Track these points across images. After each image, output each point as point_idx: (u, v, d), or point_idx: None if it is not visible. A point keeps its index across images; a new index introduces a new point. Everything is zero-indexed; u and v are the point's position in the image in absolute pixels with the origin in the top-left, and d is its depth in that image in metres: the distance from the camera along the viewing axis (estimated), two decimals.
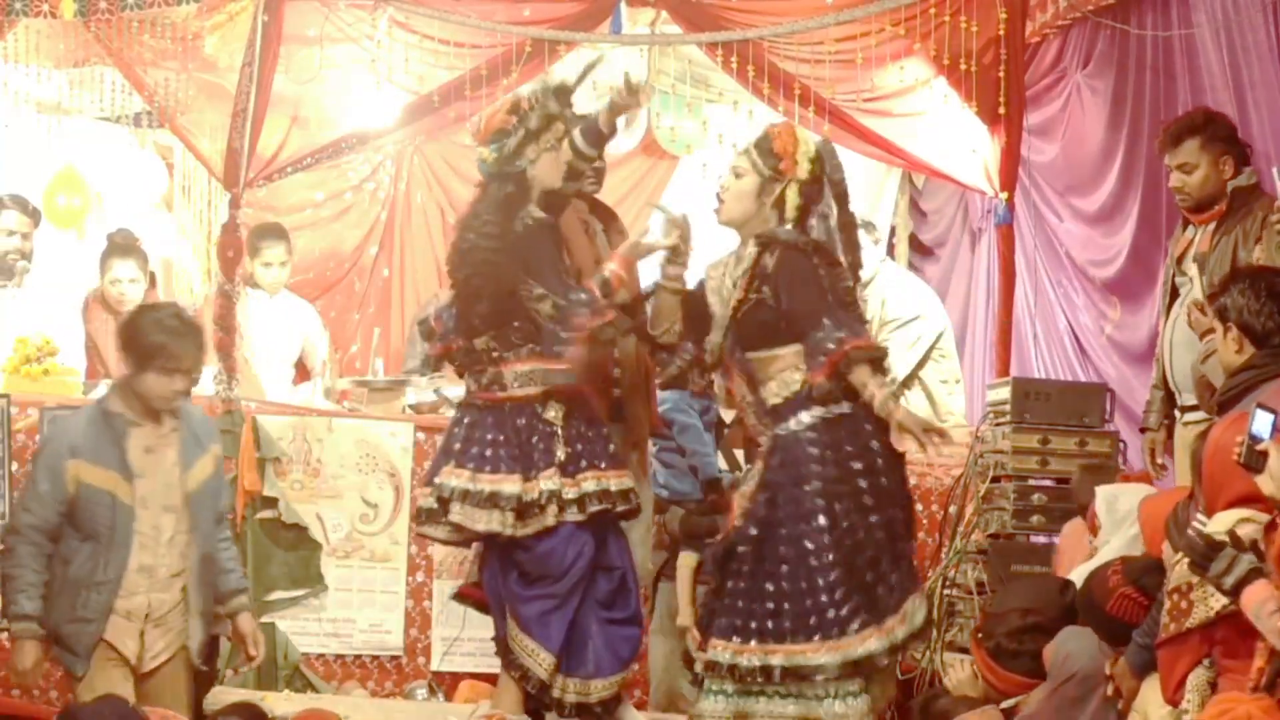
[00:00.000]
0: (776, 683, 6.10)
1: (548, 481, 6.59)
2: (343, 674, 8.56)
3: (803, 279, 6.25)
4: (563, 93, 6.81)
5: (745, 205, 6.43)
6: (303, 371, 9.73)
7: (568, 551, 6.62)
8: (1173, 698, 4.98)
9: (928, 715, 6.20)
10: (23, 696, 8.14)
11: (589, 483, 6.63)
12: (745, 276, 6.33)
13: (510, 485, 6.60)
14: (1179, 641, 4.98)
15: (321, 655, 8.54)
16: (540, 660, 6.63)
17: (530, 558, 6.66)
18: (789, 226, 6.37)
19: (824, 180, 6.42)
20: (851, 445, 6.18)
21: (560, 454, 6.63)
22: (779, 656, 6.10)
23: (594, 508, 6.61)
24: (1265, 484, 4.68)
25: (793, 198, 6.37)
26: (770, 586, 6.16)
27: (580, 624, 6.68)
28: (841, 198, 6.46)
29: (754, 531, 6.22)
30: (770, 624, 6.14)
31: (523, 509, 6.59)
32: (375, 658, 8.58)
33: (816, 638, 6.08)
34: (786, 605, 6.14)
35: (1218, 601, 4.94)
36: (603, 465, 6.67)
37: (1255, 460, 4.73)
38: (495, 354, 6.68)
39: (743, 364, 6.35)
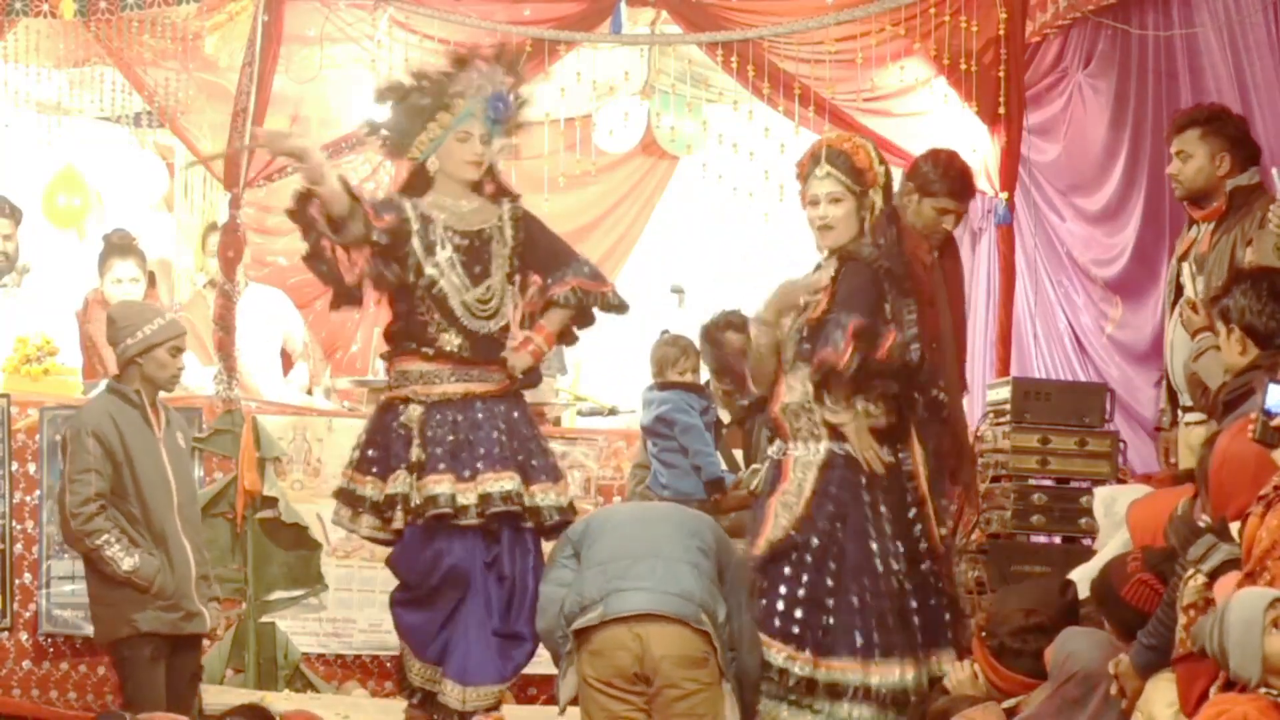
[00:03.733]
0: (816, 695, 6.21)
1: (394, 485, 6.58)
2: (343, 674, 8.56)
3: (861, 290, 6.32)
4: (434, 81, 6.76)
5: (850, 227, 6.44)
6: (286, 360, 9.73)
7: (422, 554, 6.58)
8: (1192, 713, 4.94)
9: (927, 714, 6.18)
10: (23, 696, 8.15)
11: (431, 487, 6.54)
12: (828, 291, 6.39)
13: (365, 487, 6.64)
14: (1196, 659, 4.93)
15: (321, 655, 8.55)
16: (411, 665, 6.69)
17: (394, 560, 6.70)
18: (870, 232, 6.42)
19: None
20: (899, 494, 6.36)
21: (414, 458, 6.59)
22: (824, 671, 6.21)
23: (433, 512, 6.52)
24: None
25: (878, 203, 6.44)
26: (831, 601, 6.26)
27: (457, 627, 6.62)
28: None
29: (816, 541, 6.29)
30: (823, 636, 6.23)
31: (379, 510, 6.61)
32: (375, 658, 8.58)
33: (858, 656, 6.20)
34: (832, 620, 6.25)
35: None
36: (452, 471, 6.57)
37: (1271, 436, 4.72)
38: (385, 352, 6.79)
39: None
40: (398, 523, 6.57)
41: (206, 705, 7.82)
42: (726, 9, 8.99)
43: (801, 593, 6.26)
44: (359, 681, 8.54)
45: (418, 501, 6.54)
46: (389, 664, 8.54)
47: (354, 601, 8.58)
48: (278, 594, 8.51)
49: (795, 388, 6.41)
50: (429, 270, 6.62)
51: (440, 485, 6.53)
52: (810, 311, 6.40)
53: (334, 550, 8.56)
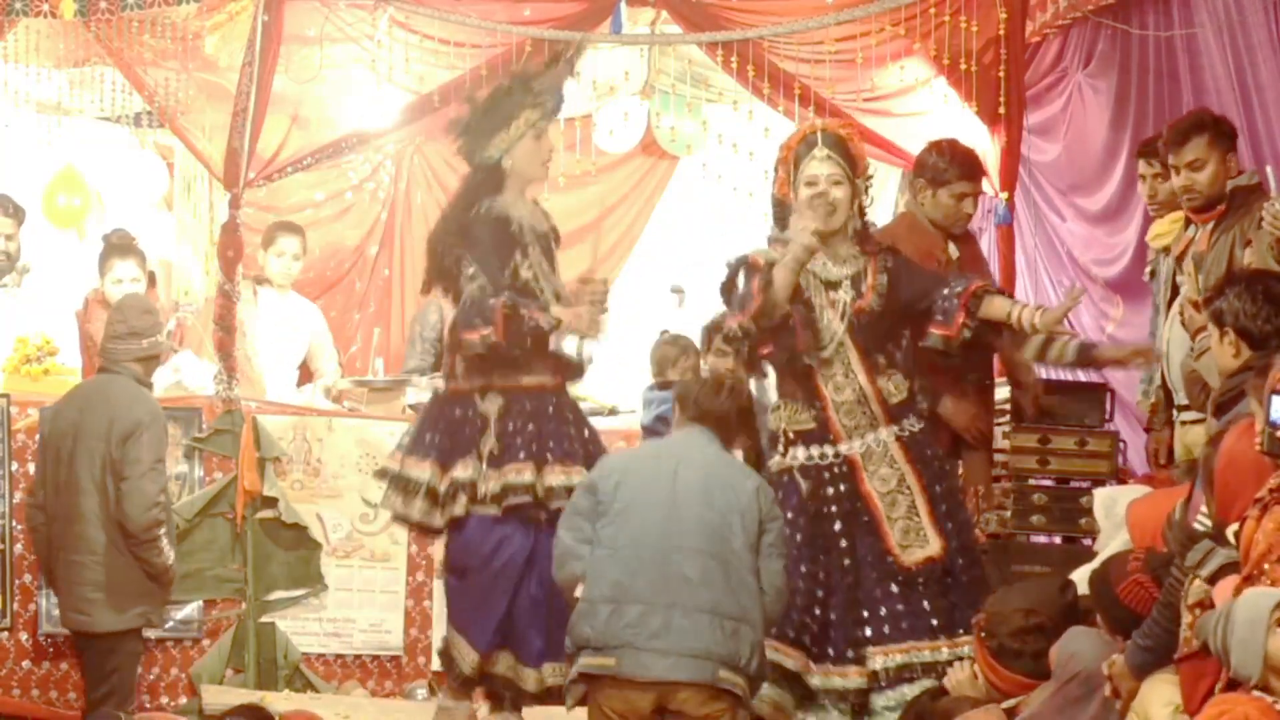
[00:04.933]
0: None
1: (463, 471, 6.59)
2: (343, 674, 8.56)
3: (916, 271, 6.65)
4: (523, 79, 6.83)
5: (846, 211, 6.60)
6: (305, 373, 9.73)
7: (485, 541, 6.59)
8: (1195, 712, 4.93)
9: (927, 715, 6.19)
10: (23, 696, 8.15)
11: (512, 475, 6.57)
12: (869, 286, 6.55)
13: (421, 472, 6.65)
14: (1201, 659, 4.92)
15: (321, 655, 8.55)
16: (465, 655, 6.65)
17: (453, 547, 6.70)
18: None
19: None
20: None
21: (487, 447, 6.61)
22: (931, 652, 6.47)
23: (512, 500, 6.55)
24: None
25: (862, 191, 6.64)
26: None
27: (520, 615, 6.62)
28: None
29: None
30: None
31: (436, 496, 6.63)
32: (375, 658, 8.58)
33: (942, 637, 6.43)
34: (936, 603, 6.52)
35: None
36: (534, 459, 6.60)
37: (1278, 447, 4.73)
38: (449, 343, 6.78)
39: (871, 361, 6.55)
40: (459, 509, 6.58)
41: (206, 705, 7.84)
42: (726, 9, 9.00)
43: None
44: (359, 681, 8.54)
45: (494, 490, 6.56)
46: (389, 664, 8.55)
47: (354, 601, 8.58)
48: (278, 594, 8.51)
49: (844, 384, 6.53)
50: (524, 273, 6.74)
51: (523, 474, 6.58)
52: (855, 301, 6.53)
53: (334, 550, 8.56)
